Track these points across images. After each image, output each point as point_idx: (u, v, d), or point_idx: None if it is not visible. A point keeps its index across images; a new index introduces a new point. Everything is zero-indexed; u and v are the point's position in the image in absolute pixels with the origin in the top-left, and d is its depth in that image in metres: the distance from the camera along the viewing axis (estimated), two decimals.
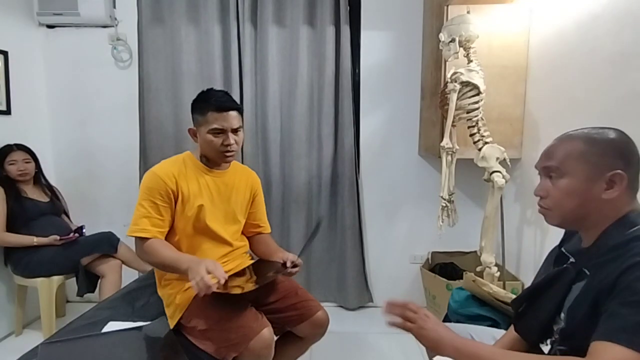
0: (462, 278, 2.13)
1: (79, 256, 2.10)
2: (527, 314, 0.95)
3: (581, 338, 0.75)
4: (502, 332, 1.22)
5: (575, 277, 0.84)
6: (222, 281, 1.14)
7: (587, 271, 0.81)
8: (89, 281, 2.15)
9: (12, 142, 2.19)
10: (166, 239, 1.37)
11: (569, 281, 0.84)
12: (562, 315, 0.84)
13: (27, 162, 2.18)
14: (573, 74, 1.65)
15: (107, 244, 2.18)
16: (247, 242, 1.60)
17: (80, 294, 2.13)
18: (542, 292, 0.91)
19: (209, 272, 1.11)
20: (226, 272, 1.43)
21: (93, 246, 2.15)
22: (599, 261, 0.79)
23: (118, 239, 2.23)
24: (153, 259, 1.29)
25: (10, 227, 2.07)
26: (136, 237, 1.31)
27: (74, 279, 2.16)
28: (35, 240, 2.05)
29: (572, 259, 0.89)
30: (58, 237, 2.07)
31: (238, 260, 1.52)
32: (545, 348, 0.90)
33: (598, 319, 0.73)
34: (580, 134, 0.84)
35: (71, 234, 2.12)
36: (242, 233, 1.59)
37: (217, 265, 1.16)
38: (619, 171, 0.77)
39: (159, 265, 1.32)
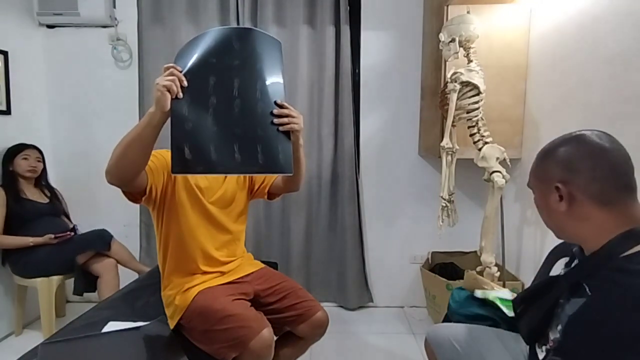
0: (462, 278, 2.13)
1: (74, 254, 2.09)
2: (523, 317, 0.95)
3: (581, 357, 0.73)
4: (502, 331, 1.22)
5: (570, 289, 0.80)
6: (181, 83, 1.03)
7: (587, 288, 0.76)
8: (87, 281, 2.14)
9: (12, 143, 2.20)
10: (165, 221, 1.35)
11: (561, 294, 0.82)
12: (559, 326, 0.81)
13: (38, 161, 2.22)
14: (573, 74, 1.65)
15: (100, 241, 2.17)
16: (244, 227, 1.57)
17: (76, 292, 2.12)
18: (536, 298, 0.90)
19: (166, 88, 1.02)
20: (227, 271, 1.46)
21: (86, 243, 2.14)
22: (599, 281, 0.75)
23: (111, 236, 2.22)
24: (118, 148, 1.12)
25: (8, 228, 2.07)
26: None
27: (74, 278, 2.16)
28: (30, 240, 2.04)
29: (564, 270, 0.88)
30: (52, 236, 2.06)
31: (239, 260, 1.52)
32: (541, 354, 0.89)
33: (608, 348, 0.69)
34: (545, 146, 0.86)
35: (67, 232, 2.12)
36: (269, 198, 1.58)
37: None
38: (558, 184, 0.78)
39: (125, 145, 1.09)
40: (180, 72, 1.04)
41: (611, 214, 0.76)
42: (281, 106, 1.13)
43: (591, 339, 0.71)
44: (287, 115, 1.13)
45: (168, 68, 1.04)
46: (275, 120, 1.12)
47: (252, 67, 1.12)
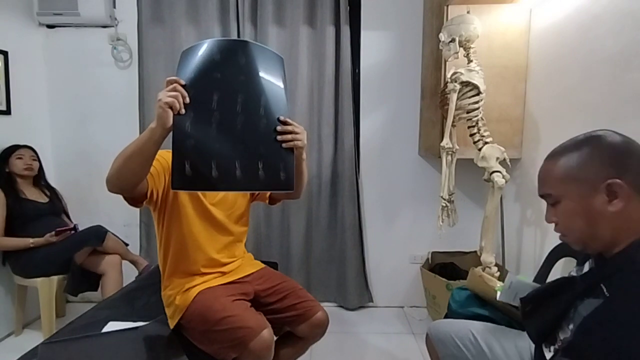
0: (462, 278, 2.13)
1: (71, 252, 2.07)
2: (533, 316, 0.94)
3: (592, 358, 0.72)
4: (503, 328, 1.22)
5: (585, 290, 0.79)
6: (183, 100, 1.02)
7: (605, 289, 0.75)
8: (87, 280, 2.13)
9: (12, 143, 2.19)
10: (167, 222, 1.35)
11: (577, 294, 0.80)
12: (571, 326, 0.80)
13: (33, 159, 2.22)
14: (573, 73, 1.65)
15: (94, 237, 2.14)
16: (246, 229, 1.56)
17: (69, 291, 2.10)
18: (548, 297, 0.89)
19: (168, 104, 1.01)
20: (227, 272, 1.46)
21: (82, 240, 2.11)
22: (618, 283, 0.73)
23: (106, 231, 2.18)
24: (119, 159, 1.08)
25: (10, 228, 2.07)
26: None
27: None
28: (30, 241, 2.04)
29: (582, 269, 0.86)
30: (53, 233, 2.05)
31: (240, 261, 1.52)
32: (548, 354, 0.89)
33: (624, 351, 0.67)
34: (560, 150, 0.82)
35: (67, 227, 2.11)
36: (270, 203, 1.57)
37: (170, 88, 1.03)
38: (616, 180, 0.73)
39: (125, 157, 1.06)
40: (183, 86, 1.02)
41: None
42: (285, 122, 1.12)
43: (604, 341, 0.70)
44: (290, 132, 1.12)
45: (171, 82, 1.01)
46: (279, 137, 1.10)
47: (257, 82, 1.10)
